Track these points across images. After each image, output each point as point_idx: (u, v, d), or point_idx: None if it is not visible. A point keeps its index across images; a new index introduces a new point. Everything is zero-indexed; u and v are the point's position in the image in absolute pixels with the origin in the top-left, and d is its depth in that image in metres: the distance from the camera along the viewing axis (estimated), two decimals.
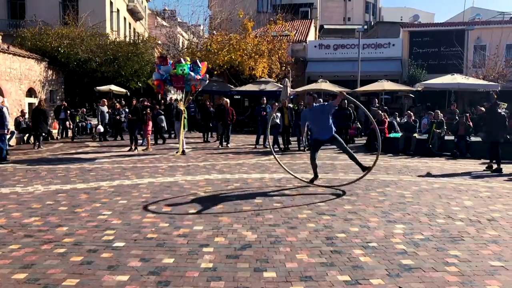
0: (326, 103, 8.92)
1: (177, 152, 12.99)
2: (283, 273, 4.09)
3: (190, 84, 12.33)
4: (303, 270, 4.16)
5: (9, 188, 7.86)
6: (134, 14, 35.91)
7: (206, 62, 13.55)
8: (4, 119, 11.25)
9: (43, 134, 15.09)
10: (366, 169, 7.92)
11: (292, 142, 14.74)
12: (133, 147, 13.82)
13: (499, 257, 4.56)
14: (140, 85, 23.66)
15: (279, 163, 8.79)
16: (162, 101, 18.47)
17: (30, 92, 18.87)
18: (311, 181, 8.23)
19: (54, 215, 6.05)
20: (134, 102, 14.82)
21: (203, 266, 4.25)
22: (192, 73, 12.02)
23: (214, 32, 27.53)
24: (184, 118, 13.25)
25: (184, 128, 13.31)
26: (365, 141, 16.17)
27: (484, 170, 10.43)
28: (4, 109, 11.47)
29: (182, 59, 12.68)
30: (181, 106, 13.09)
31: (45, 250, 4.65)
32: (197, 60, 12.71)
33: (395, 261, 4.41)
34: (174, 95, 13.10)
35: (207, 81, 12.78)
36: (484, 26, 27.10)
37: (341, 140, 8.24)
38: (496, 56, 24.16)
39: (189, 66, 12.27)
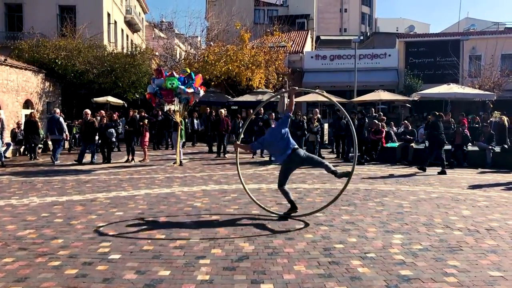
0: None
1: (174, 163, 12.95)
2: (280, 285, 4.04)
3: (182, 97, 12.24)
4: (300, 282, 4.11)
5: (4, 201, 7.79)
6: (132, 26, 36.09)
7: (200, 74, 13.51)
8: (62, 126, 13.82)
9: (38, 145, 15.05)
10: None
11: None
12: (129, 158, 13.78)
13: (498, 267, 4.53)
14: (137, 96, 23.68)
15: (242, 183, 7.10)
16: (160, 112, 18.42)
17: (27, 104, 18.84)
18: (287, 213, 6.58)
19: (49, 228, 5.98)
20: (131, 113, 14.82)
21: (199, 278, 4.20)
22: (182, 87, 11.88)
23: (211, 43, 27.68)
24: (181, 129, 13.24)
25: (181, 139, 13.29)
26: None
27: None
28: (61, 118, 13.99)
29: (169, 72, 12.61)
30: (178, 118, 13.06)
31: (40, 263, 4.59)
32: (191, 73, 12.66)
33: (394, 271, 4.37)
34: (172, 106, 13.06)
35: (200, 93, 12.60)
36: (479, 37, 27.36)
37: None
38: (491, 66, 24.34)
39: (182, 79, 12.18)
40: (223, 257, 4.78)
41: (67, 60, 21.41)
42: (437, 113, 12.43)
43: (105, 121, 13.96)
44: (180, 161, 12.91)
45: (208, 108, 20.14)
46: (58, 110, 14.73)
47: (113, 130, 13.81)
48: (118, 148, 16.59)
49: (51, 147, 17.37)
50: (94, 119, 14.17)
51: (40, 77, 19.86)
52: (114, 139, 14.15)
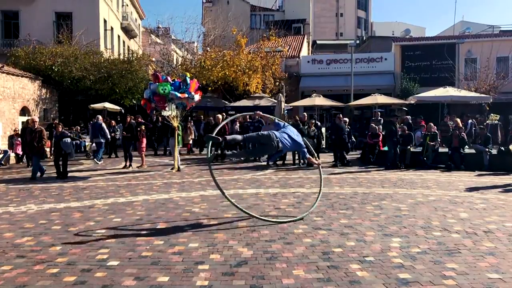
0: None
1: (172, 169, 12.93)
2: None
3: (176, 102, 12.17)
4: (300, 286, 4.11)
5: (2, 208, 7.76)
6: (128, 32, 36.12)
7: (196, 79, 13.48)
8: (104, 131, 15.34)
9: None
10: None
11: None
12: (127, 165, 13.76)
13: (497, 269, 4.54)
14: (134, 102, 23.68)
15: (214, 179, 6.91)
16: (159, 118, 18.30)
17: (24, 111, 18.82)
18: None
19: (47, 235, 5.96)
20: (129, 119, 14.80)
21: (198, 284, 4.19)
22: (174, 92, 11.79)
23: (208, 48, 27.76)
24: (178, 134, 13.22)
25: (178, 145, 13.28)
26: (359, 155, 16.20)
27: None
28: (103, 124, 15.59)
29: (166, 77, 12.55)
30: (175, 123, 13.04)
31: (38, 271, 4.57)
32: (187, 78, 12.61)
33: (392, 275, 4.38)
34: (169, 111, 13.01)
35: (195, 98, 12.49)
36: (475, 40, 27.50)
37: None
38: (487, 69, 24.45)
39: (177, 83, 12.14)
40: (222, 263, 4.78)
41: (63, 66, 21.41)
42: (340, 117, 14.45)
43: (60, 129, 11.99)
44: (178, 167, 12.89)
45: (195, 114, 20.05)
46: (100, 117, 15.93)
47: (68, 140, 11.68)
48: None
49: (48, 154, 17.37)
50: (42, 127, 12.17)
51: (36, 84, 19.85)
52: (69, 151, 12.00)
